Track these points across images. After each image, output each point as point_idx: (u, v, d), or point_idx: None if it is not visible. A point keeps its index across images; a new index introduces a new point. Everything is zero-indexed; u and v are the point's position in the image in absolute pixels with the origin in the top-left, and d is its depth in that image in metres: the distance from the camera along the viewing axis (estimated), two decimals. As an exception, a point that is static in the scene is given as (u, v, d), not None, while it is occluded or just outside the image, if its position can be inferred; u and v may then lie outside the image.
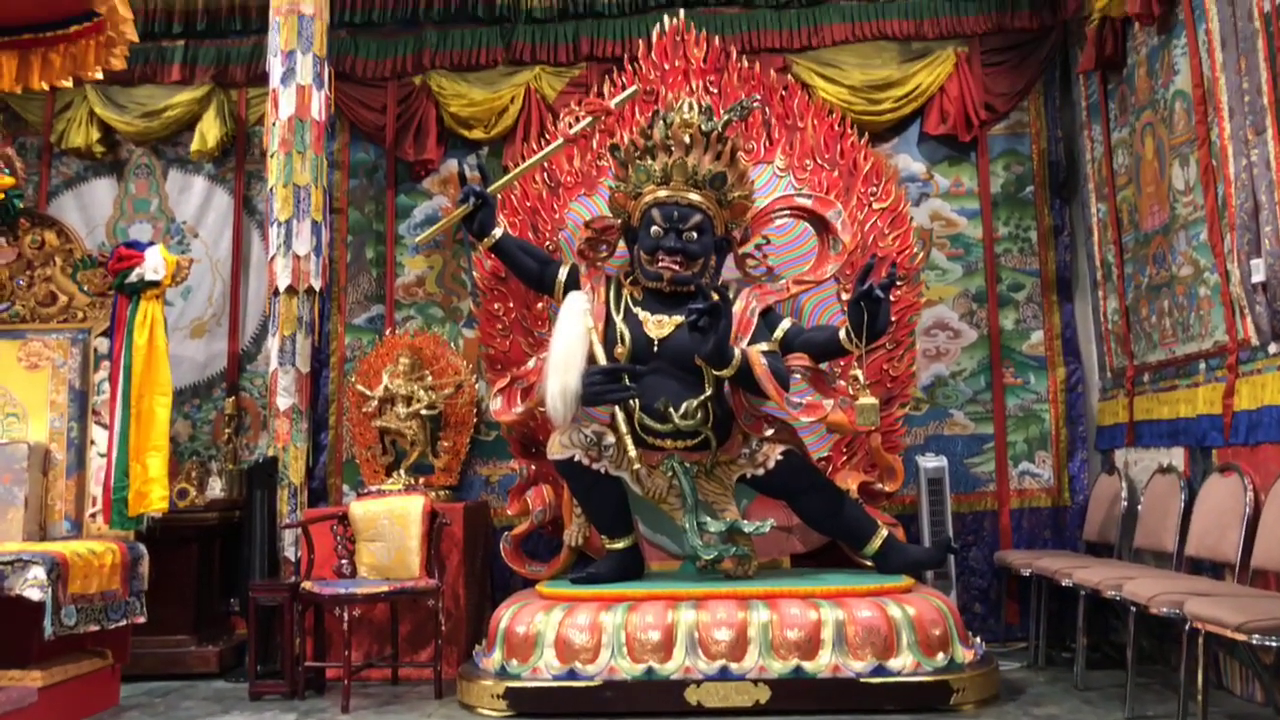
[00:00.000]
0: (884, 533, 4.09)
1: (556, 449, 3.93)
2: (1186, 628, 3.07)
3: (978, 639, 3.89)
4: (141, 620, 4.14)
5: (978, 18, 5.49)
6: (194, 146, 5.72)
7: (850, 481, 4.42)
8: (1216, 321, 4.03)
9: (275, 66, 5.10)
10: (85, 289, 4.45)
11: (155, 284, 4.40)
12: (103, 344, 4.38)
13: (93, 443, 4.29)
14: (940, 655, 3.58)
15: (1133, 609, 3.51)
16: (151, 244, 4.53)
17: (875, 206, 4.65)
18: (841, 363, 4.41)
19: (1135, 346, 4.81)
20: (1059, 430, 5.30)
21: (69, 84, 3.69)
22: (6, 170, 4.46)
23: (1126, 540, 4.54)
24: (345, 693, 3.99)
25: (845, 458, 4.60)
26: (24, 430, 4.24)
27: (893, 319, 4.34)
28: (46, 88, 3.58)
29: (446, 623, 4.52)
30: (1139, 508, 4.47)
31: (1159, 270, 4.54)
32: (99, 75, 3.50)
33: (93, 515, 4.21)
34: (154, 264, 4.40)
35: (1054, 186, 5.46)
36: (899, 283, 4.50)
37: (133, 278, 4.37)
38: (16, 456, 4.06)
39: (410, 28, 5.73)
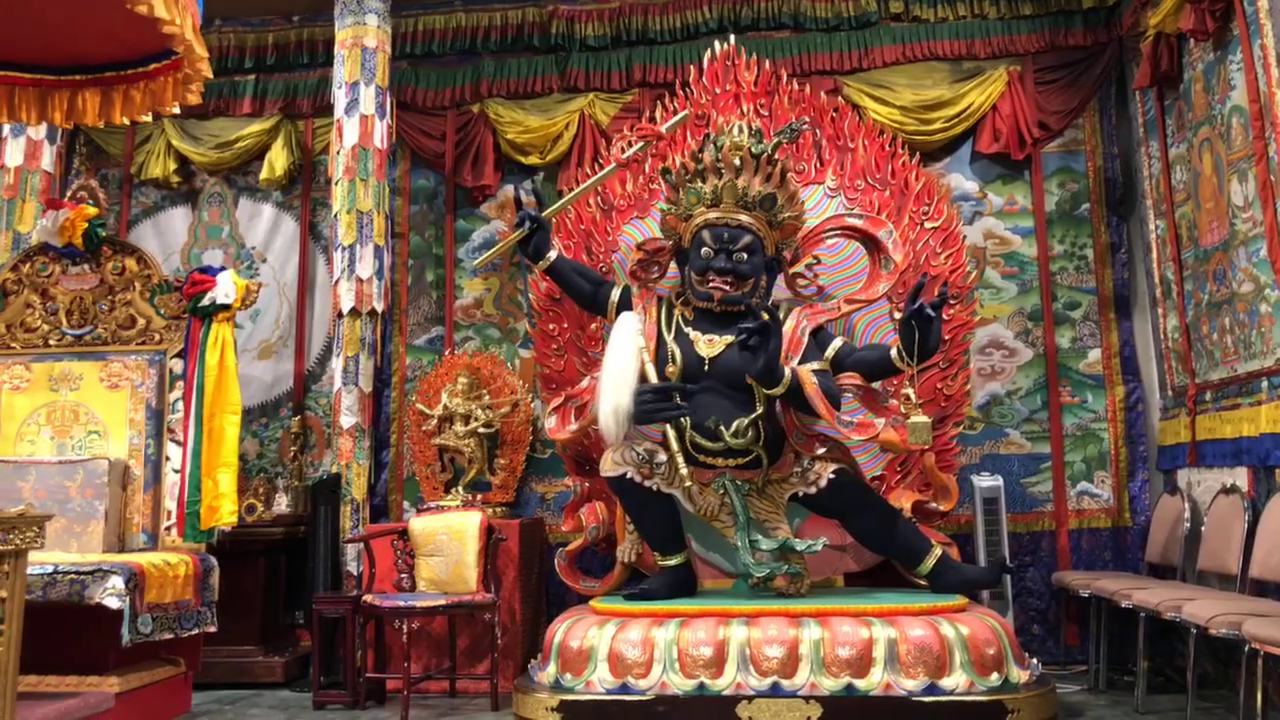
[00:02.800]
0: (938, 552, 4.07)
1: (609, 466, 4.00)
2: (1246, 649, 3.02)
3: (1034, 660, 3.84)
4: (213, 629, 4.29)
5: (1030, 36, 5.49)
6: (263, 175, 5.96)
7: (904, 500, 4.40)
8: (1278, 339, 3.96)
9: (340, 98, 5.31)
10: (162, 312, 4.66)
11: (226, 307, 4.59)
12: (177, 365, 4.57)
13: (168, 459, 4.48)
14: (995, 675, 3.55)
15: (1193, 630, 3.46)
16: (223, 269, 4.73)
17: (927, 226, 4.65)
18: (893, 382, 4.40)
19: (1196, 364, 4.74)
20: (1118, 450, 5.23)
21: (148, 118, 3.88)
22: (90, 201, 4.71)
23: (1190, 562, 4.45)
24: (404, 703, 4.09)
25: (899, 476, 4.58)
26: (105, 447, 4.45)
27: (945, 338, 4.33)
28: (127, 122, 3.77)
29: (502, 636, 4.61)
30: (1202, 529, 4.39)
31: (1219, 287, 4.47)
32: (176, 110, 3.68)
33: (168, 528, 4.39)
34: (225, 288, 4.60)
35: (1110, 203, 5.41)
36: (951, 301, 4.48)
37: (205, 301, 4.57)
38: (98, 472, 4.26)
39: (468, 58, 5.91)
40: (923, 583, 4.12)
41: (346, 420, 5.08)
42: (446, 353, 5.62)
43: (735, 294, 4.11)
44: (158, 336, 4.64)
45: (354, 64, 5.28)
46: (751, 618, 3.71)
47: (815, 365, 4.01)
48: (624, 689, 3.61)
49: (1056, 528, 5.19)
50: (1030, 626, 5.09)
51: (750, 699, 3.54)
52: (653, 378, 4.03)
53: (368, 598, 4.33)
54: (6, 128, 5.55)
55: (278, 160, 5.93)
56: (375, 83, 5.29)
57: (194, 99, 3.61)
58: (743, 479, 4.07)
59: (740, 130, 4.21)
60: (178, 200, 6.17)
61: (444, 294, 5.81)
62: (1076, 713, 4.04)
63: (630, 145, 4.62)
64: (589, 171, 4.99)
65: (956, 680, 3.52)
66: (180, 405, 4.50)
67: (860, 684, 3.52)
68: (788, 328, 4.12)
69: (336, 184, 5.29)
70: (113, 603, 3.68)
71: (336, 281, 5.24)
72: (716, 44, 5.01)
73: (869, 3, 5.60)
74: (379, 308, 5.26)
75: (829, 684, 3.52)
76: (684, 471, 3.95)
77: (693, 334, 4.13)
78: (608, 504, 4.58)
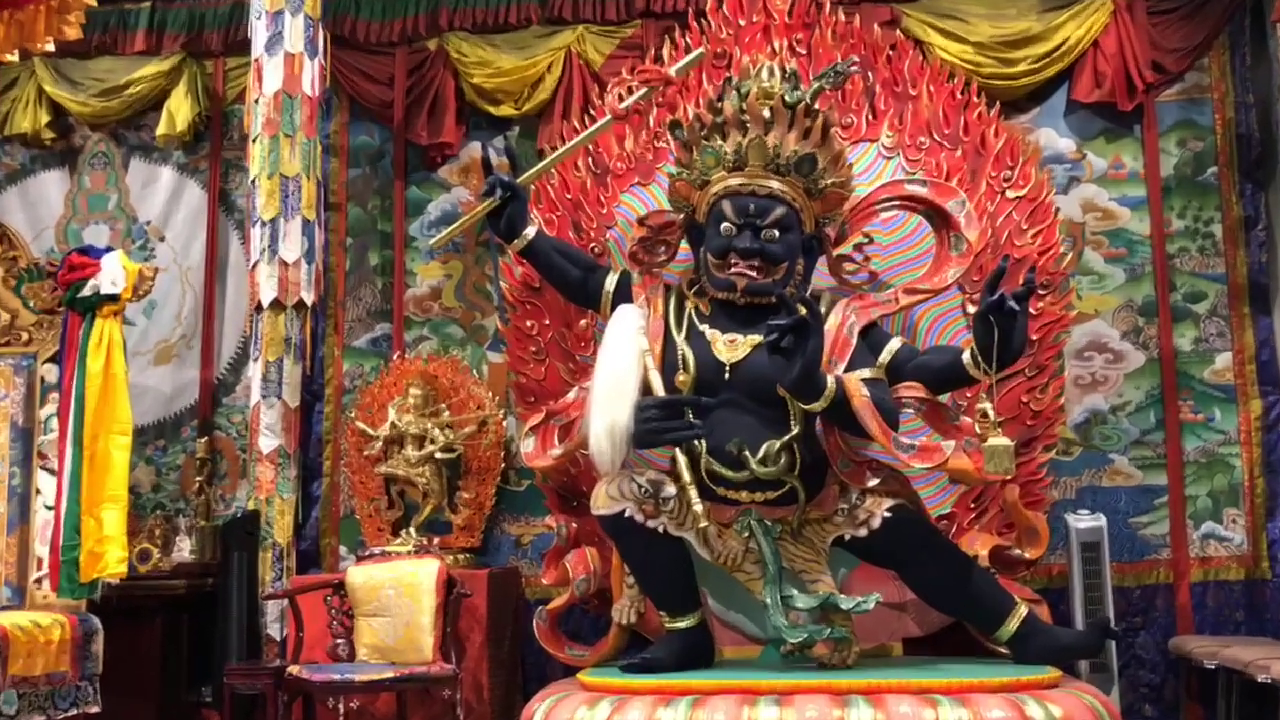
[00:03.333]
0: (1023, 611, 4.08)
1: (603, 502, 4.01)
2: None
3: (1146, 750, 3.87)
4: (95, 710, 4.30)
5: (1142, -46, 5.51)
6: (160, 130, 5.98)
7: (979, 546, 4.42)
8: None
9: (259, 31, 5.33)
10: (31, 305, 4.69)
11: (113, 298, 4.61)
12: (51, 371, 4.59)
13: (38, 492, 4.50)
14: (1096, 769, 3.56)
15: (1350, 713, 3.47)
16: (109, 250, 4.76)
17: (1009, 195, 4.67)
18: (967, 394, 4.42)
19: (1354, 372, 4.75)
20: (1254, 481, 5.24)
21: (14, 58, 3.90)
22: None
23: (1346, 625, 4.47)
24: (341, 805, 4.10)
25: (973, 515, 4.61)
26: (-43, 477, 4.46)
27: (1032, 338, 4.36)
28: (-12, 63, 3.81)
29: (467, 718, 4.62)
30: (1362, 582, 4.40)
31: (1383, 273, 4.49)
32: (50, 47, 3.71)
33: (38, 581, 4.41)
34: (111, 274, 4.62)
35: (1245, 167, 5.44)
36: (1040, 292, 4.50)
37: (86, 291, 4.59)
38: (-52, 509, 4.27)
39: (424, -20, 5.94)
40: (1003, 650, 4.13)
41: (267, 443, 5.10)
42: (395, 357, 5.63)
43: (764, 282, 4.13)
44: (26, 336, 4.66)
45: (277, -13, 5.30)
46: (784, 695, 3.71)
47: (866, 373, 4.03)
48: (621, 786, 3.62)
49: (1175, 580, 5.21)
50: (1141, 706, 5.11)
51: (783, 799, 3.55)
52: (659, 389, 4.04)
53: (294, 669, 4.34)
54: None
55: (179, 111, 5.95)
56: (304, 12, 5.31)
57: (72, 32, 3.65)
58: (773, 518, 4.09)
59: (770, 73, 4.23)
60: (51, 162, 6.20)
61: (392, 282, 5.83)
62: (1201, 818, 4.05)
63: (630, 92, 4.64)
64: (578, 126, 5.00)
65: (1047, 775, 3.53)
66: (54, 423, 4.52)
67: (924, 780, 3.52)
68: (831, 325, 4.14)
69: (255, 141, 5.31)
70: (-33, 676, 3.69)
71: (254, 266, 5.26)
72: (740, -37, 5.03)
73: (935, -91, 5.63)
74: (309, 299, 5.28)
75: (884, 780, 3.53)
76: (698, 509, 3.96)
77: (710, 333, 4.15)
78: (601, 550, 4.60)
